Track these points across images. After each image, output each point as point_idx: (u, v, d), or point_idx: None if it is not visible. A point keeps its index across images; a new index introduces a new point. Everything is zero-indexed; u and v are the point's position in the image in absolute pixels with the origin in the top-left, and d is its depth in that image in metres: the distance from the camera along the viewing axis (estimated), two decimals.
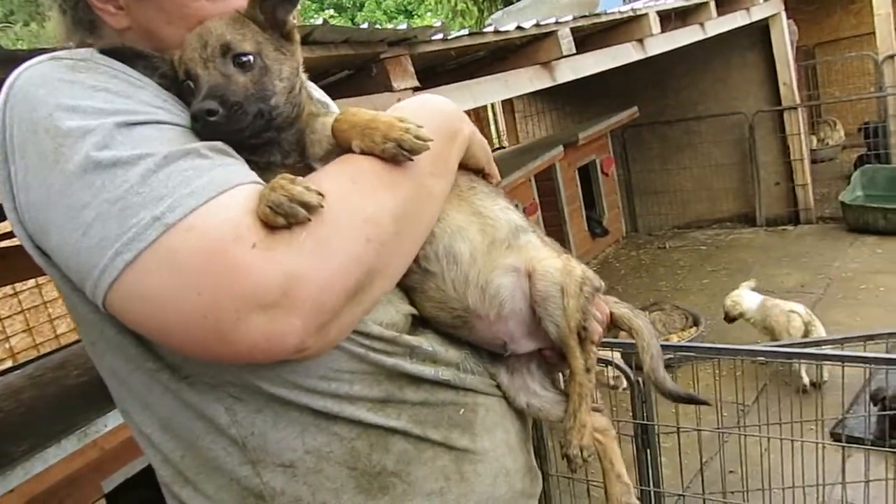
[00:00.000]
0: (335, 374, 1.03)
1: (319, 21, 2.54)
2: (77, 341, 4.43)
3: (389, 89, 2.90)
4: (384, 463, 1.08)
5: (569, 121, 9.79)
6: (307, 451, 1.04)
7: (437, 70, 4.53)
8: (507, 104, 10.55)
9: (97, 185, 0.88)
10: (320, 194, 0.90)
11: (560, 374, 1.36)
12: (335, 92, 3.25)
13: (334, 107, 1.36)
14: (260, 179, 0.96)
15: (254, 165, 1.01)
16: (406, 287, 1.17)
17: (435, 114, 1.15)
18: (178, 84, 1.05)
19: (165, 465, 1.11)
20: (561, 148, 7.54)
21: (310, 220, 0.89)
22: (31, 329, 6.89)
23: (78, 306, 1.02)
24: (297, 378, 1.01)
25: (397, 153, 1.00)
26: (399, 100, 3.02)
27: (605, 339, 1.37)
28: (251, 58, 1.04)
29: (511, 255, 1.22)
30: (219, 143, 0.97)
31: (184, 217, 0.85)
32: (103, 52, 1.02)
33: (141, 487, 2.52)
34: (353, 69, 3.06)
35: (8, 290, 6.64)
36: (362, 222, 0.95)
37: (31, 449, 2.53)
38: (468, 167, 1.26)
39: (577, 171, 8.26)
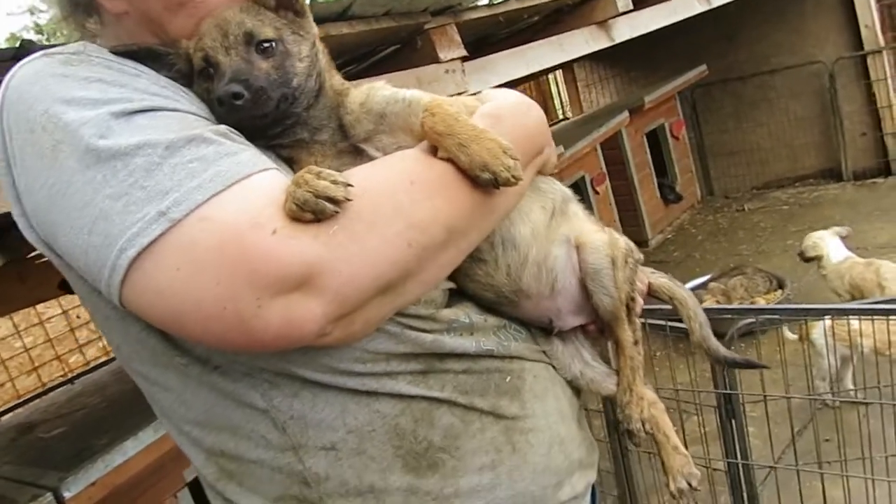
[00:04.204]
0: (370, 356, 1.00)
1: None
2: None
3: (436, 60, 2.82)
4: (431, 438, 1.04)
5: (634, 85, 9.46)
6: (349, 432, 1.01)
7: (490, 40, 4.41)
8: (569, 74, 10.28)
9: (98, 180, 0.85)
10: (349, 185, 0.88)
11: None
12: (382, 69, 3.18)
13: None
14: (273, 164, 0.94)
15: (279, 146, 1.04)
16: None
17: (528, 126, 1.14)
18: (195, 75, 1.04)
19: (209, 463, 1.09)
20: (626, 113, 7.28)
21: (337, 212, 0.86)
22: None
23: (99, 306, 1.00)
24: (332, 361, 0.98)
25: (489, 184, 0.97)
26: (447, 71, 2.93)
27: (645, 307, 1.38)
28: (273, 44, 1.04)
29: (564, 225, 1.23)
30: (223, 127, 0.94)
31: (191, 212, 0.83)
32: (115, 52, 1.00)
33: None
34: (399, 43, 2.98)
35: None
36: (406, 226, 0.91)
37: (111, 442, 2.60)
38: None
39: (644, 137, 7.96)
